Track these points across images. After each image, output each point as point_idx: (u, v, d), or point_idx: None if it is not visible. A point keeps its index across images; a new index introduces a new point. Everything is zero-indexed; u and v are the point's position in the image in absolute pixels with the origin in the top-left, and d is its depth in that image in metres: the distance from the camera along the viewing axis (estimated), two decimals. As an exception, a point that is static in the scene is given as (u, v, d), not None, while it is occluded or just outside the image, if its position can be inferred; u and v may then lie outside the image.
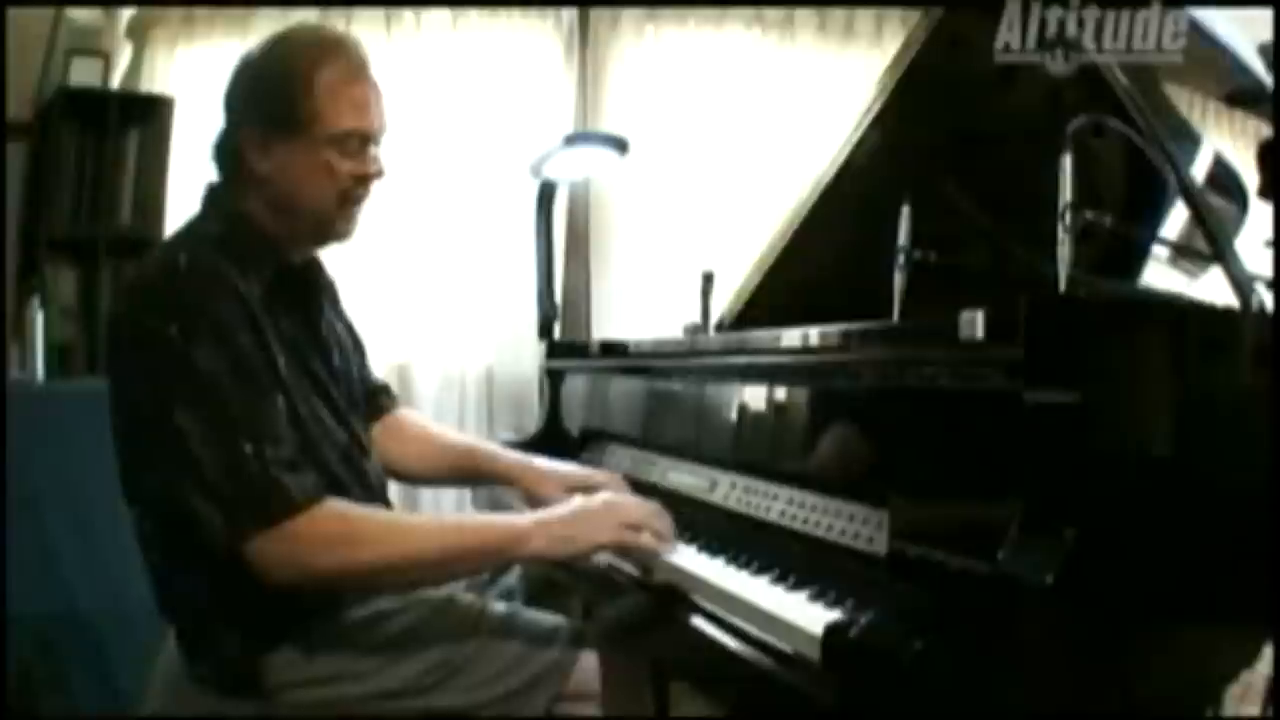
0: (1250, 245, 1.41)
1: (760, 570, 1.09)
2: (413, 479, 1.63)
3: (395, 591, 1.22)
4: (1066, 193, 1.12)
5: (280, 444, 1.09)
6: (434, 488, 2.18)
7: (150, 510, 1.17)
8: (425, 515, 1.22)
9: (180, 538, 1.11)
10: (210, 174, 1.26)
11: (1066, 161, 1.12)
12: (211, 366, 1.07)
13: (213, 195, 1.24)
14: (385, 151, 1.26)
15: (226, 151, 1.22)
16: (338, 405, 1.27)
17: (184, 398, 1.06)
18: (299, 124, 1.17)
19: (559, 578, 1.53)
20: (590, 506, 1.20)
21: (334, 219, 1.23)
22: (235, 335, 1.10)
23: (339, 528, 1.09)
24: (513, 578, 1.52)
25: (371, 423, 1.45)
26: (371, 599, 1.21)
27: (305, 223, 1.23)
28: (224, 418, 1.07)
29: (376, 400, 1.50)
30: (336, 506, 1.11)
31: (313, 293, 1.31)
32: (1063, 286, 1.09)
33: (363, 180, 1.22)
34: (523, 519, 1.19)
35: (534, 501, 1.41)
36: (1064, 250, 1.10)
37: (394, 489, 1.40)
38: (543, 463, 1.49)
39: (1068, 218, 1.11)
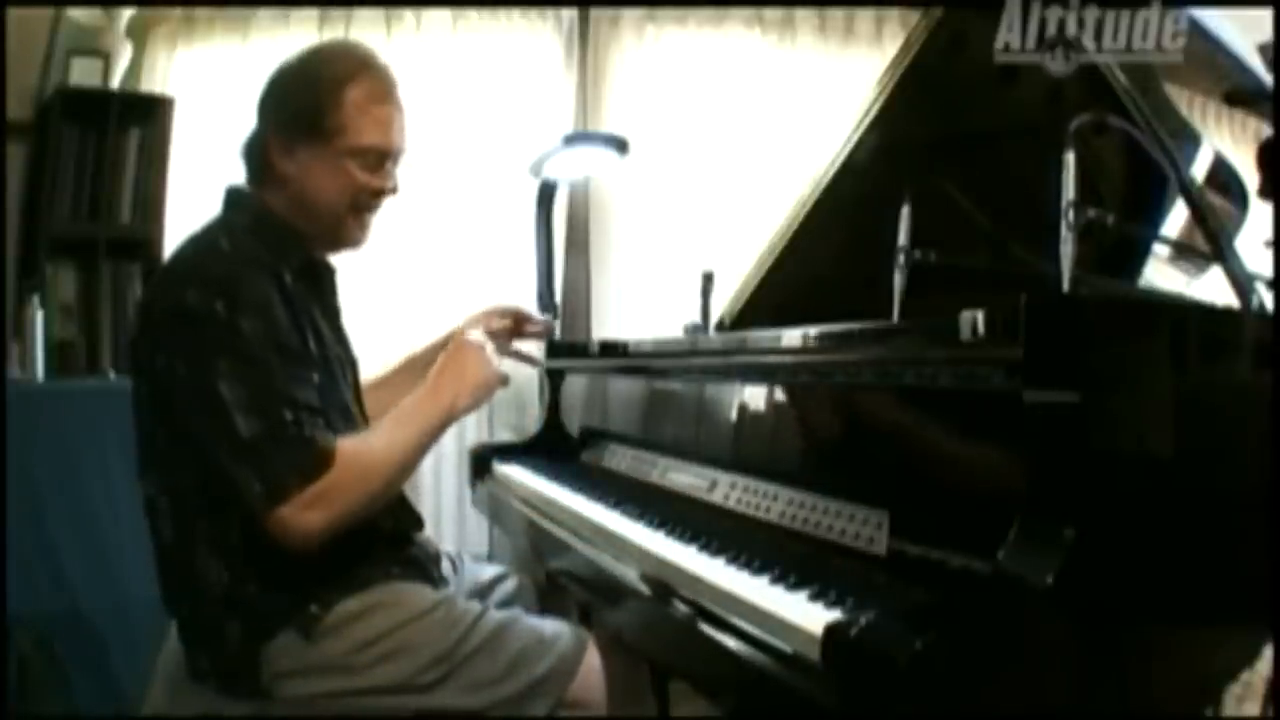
0: (1250, 245, 1.41)
1: (760, 570, 1.08)
2: None
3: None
4: (1070, 190, 1.11)
5: (315, 411, 1.16)
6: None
7: (173, 487, 1.20)
8: (382, 426, 1.26)
9: (198, 509, 1.17)
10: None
11: (1069, 159, 1.12)
12: (255, 340, 1.14)
13: (236, 193, 1.32)
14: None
15: (255, 151, 1.30)
16: (352, 389, 1.37)
17: (228, 369, 1.12)
18: (325, 134, 1.26)
19: (560, 581, 1.53)
20: (454, 356, 1.31)
21: (346, 224, 1.31)
22: (275, 313, 1.17)
23: (356, 467, 1.16)
24: (511, 584, 1.52)
25: None
26: (365, 591, 1.22)
27: (319, 224, 1.30)
28: (267, 388, 1.13)
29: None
30: (345, 447, 1.16)
31: (333, 287, 1.39)
32: (1066, 284, 1.09)
33: (377, 194, 1.32)
34: (429, 393, 1.28)
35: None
36: (1067, 248, 1.10)
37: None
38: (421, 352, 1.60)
39: (1071, 215, 1.11)
